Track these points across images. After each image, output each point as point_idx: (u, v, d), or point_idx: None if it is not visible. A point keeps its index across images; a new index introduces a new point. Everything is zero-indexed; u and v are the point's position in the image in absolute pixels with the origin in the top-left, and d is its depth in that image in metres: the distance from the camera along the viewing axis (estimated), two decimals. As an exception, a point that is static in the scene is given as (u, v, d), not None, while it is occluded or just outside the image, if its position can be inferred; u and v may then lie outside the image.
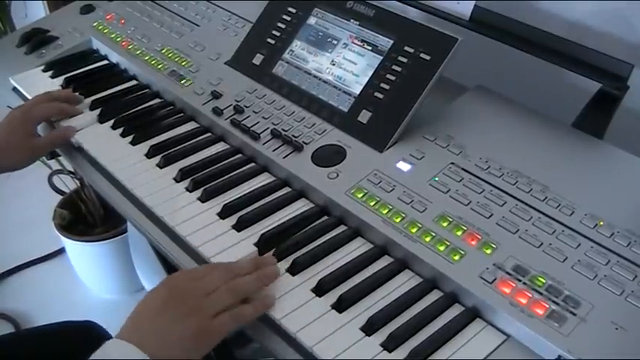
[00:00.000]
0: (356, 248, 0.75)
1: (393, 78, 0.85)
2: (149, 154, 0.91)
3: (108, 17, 1.21)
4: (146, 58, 1.08)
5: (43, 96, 1.00)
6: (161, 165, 0.89)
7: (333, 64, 0.91)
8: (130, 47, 1.12)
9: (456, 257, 0.69)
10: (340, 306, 0.67)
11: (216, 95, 0.96)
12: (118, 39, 1.15)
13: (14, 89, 1.11)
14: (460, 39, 0.83)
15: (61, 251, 1.85)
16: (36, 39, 1.19)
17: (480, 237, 0.70)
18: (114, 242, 1.61)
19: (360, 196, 0.77)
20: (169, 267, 1.29)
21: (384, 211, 0.75)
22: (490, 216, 0.73)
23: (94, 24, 1.20)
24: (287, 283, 0.70)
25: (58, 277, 1.83)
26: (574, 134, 0.83)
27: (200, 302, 0.64)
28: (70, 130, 0.96)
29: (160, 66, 1.06)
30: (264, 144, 0.88)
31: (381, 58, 0.87)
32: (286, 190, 0.84)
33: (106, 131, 0.97)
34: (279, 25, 0.98)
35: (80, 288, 1.79)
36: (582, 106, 0.85)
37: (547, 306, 0.63)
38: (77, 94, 1.04)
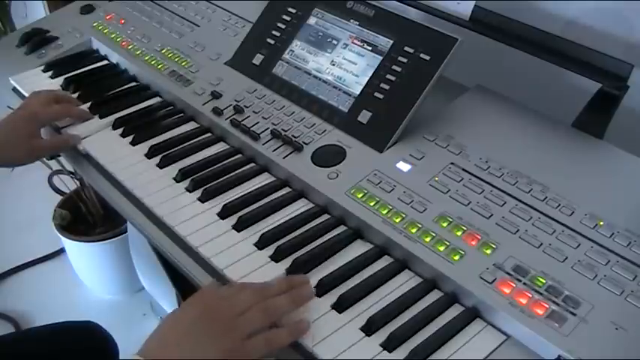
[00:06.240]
0: (356, 248, 0.75)
1: (392, 78, 0.85)
2: (149, 155, 0.91)
3: (108, 17, 1.21)
4: (146, 58, 1.08)
5: (48, 96, 0.98)
6: (161, 165, 0.89)
7: (333, 65, 0.91)
8: (129, 47, 1.12)
9: (456, 257, 0.69)
10: (340, 306, 0.67)
11: (216, 95, 0.96)
12: (118, 39, 1.15)
13: (14, 89, 1.11)
14: (460, 39, 0.83)
15: (61, 251, 1.85)
16: (36, 39, 1.19)
17: (479, 237, 0.70)
18: (114, 242, 1.61)
19: (360, 196, 0.77)
20: (169, 267, 1.29)
21: (384, 212, 0.75)
22: (490, 216, 0.73)
23: (94, 24, 1.20)
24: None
25: (58, 277, 1.83)
26: (574, 134, 0.83)
27: (233, 322, 0.61)
28: (75, 138, 0.95)
29: (159, 66, 1.06)
30: (264, 144, 0.88)
31: (381, 58, 0.87)
32: (286, 190, 0.84)
33: (106, 132, 0.97)
34: (279, 25, 0.98)
35: (80, 288, 1.79)
36: (582, 106, 0.85)
37: (547, 306, 0.63)
38: (76, 96, 1.03)
